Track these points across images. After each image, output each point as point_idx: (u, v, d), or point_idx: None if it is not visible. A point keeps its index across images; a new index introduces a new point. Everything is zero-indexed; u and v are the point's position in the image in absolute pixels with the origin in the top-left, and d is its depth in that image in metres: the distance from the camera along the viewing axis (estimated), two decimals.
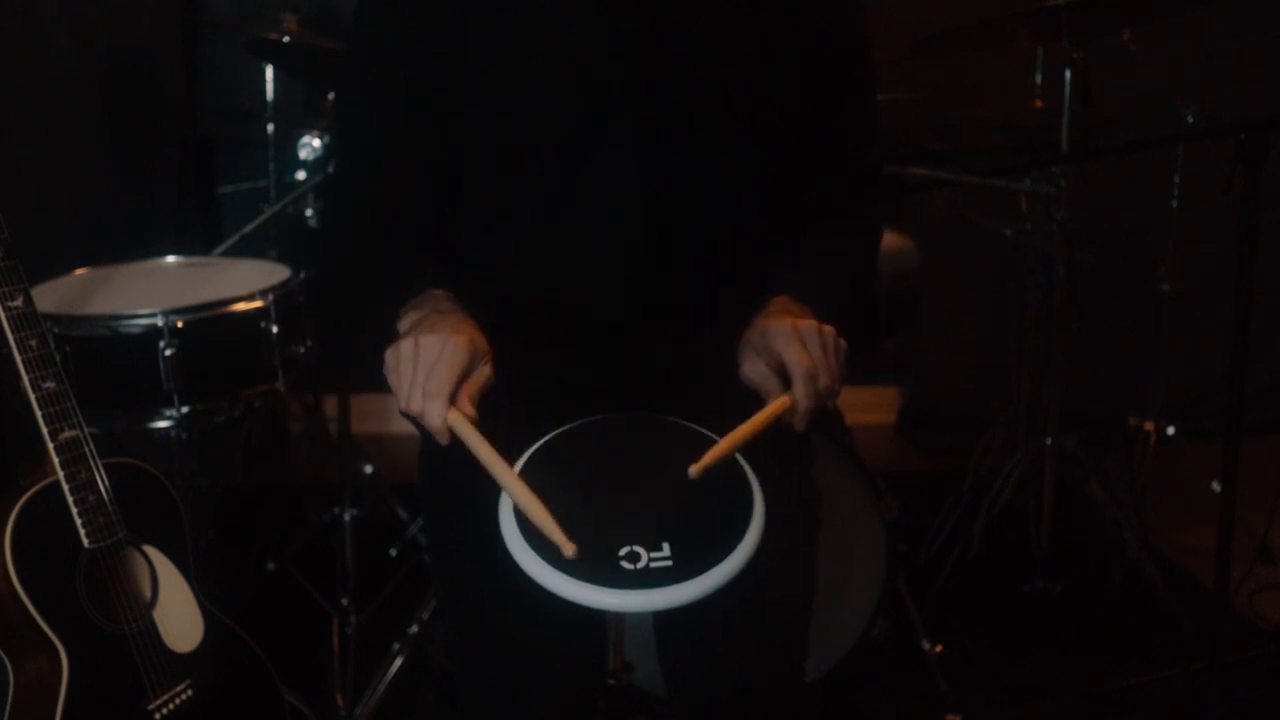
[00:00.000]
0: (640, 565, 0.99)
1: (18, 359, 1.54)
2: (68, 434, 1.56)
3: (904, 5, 2.86)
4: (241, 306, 2.02)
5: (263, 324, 2.03)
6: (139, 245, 2.50)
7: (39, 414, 1.54)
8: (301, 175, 2.79)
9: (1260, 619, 2.54)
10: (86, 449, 1.58)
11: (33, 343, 1.54)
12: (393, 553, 2.79)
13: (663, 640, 1.39)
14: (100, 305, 2.04)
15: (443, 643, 2.30)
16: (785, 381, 1.10)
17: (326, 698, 2.24)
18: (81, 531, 1.56)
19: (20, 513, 1.51)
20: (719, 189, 1.25)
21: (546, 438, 1.13)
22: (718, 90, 1.21)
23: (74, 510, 1.56)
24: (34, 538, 1.52)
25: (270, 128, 2.91)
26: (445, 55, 1.20)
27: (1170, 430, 3.23)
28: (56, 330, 1.89)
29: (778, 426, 1.09)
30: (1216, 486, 1.99)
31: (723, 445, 1.06)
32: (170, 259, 2.39)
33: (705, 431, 1.15)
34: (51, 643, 1.53)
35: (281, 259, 2.47)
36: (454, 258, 1.33)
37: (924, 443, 3.70)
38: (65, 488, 1.55)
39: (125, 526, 1.61)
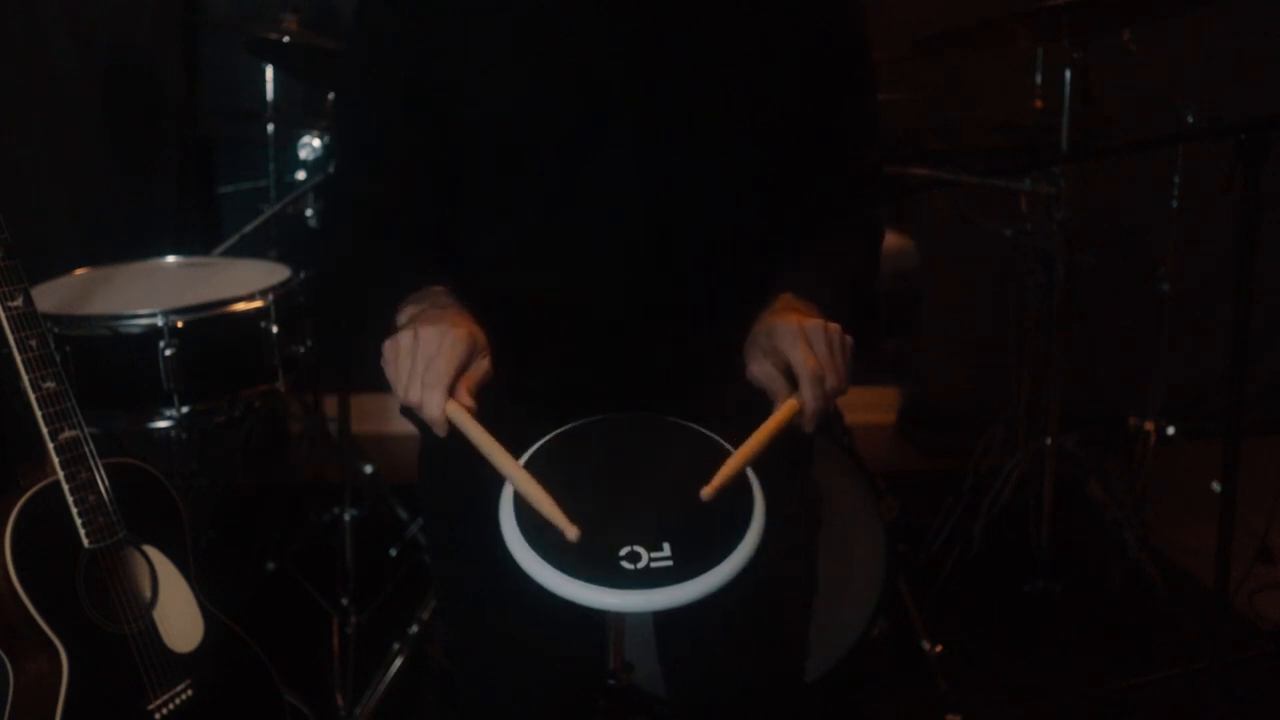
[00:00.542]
0: (640, 565, 0.99)
1: (18, 359, 1.54)
2: (68, 434, 1.56)
3: (904, 5, 2.86)
4: (241, 306, 2.02)
5: (263, 324, 2.03)
6: (139, 245, 2.50)
7: (39, 414, 1.54)
8: (301, 175, 2.79)
9: (1260, 619, 2.54)
10: (86, 449, 1.58)
11: (33, 343, 1.54)
12: (393, 553, 2.79)
13: (663, 640, 1.39)
14: (100, 305, 2.04)
15: (443, 643, 2.30)
16: (792, 381, 1.09)
17: (326, 698, 2.24)
18: (81, 531, 1.56)
19: (20, 513, 1.51)
20: (719, 189, 1.25)
21: (547, 437, 1.13)
22: (718, 90, 1.21)
23: (74, 510, 1.56)
24: (34, 538, 1.52)
25: (270, 128, 2.91)
26: (445, 55, 1.20)
27: (1170, 430, 3.23)
28: (56, 330, 1.89)
29: (788, 430, 1.09)
30: (1216, 486, 1.99)
31: (735, 460, 1.05)
32: (170, 259, 2.39)
33: (706, 432, 1.15)
34: (51, 643, 1.53)
35: (281, 259, 2.46)
36: (454, 257, 1.33)
37: (924, 443, 3.70)
38: (65, 488, 1.55)
39: (125, 526, 1.61)
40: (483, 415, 1.06)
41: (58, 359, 1.57)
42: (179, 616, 1.68)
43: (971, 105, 3.30)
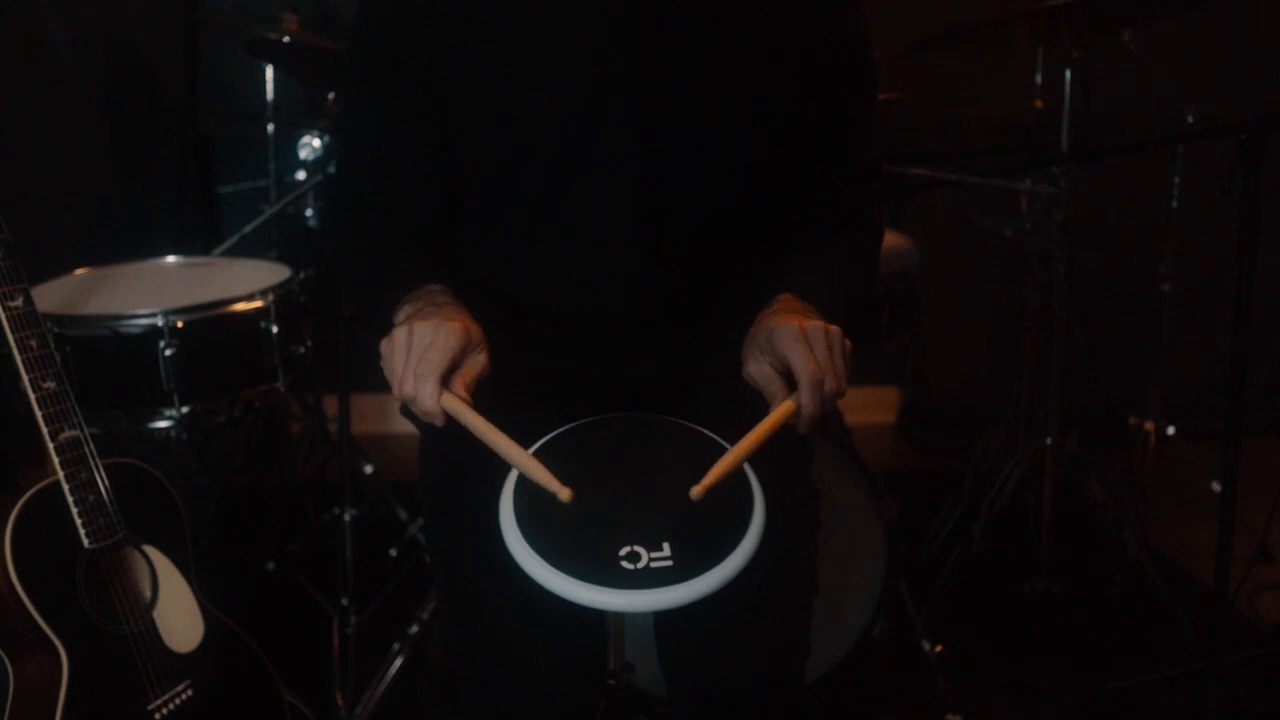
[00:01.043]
0: (641, 565, 0.99)
1: (18, 359, 1.54)
2: (68, 434, 1.56)
3: (904, 5, 2.86)
4: (241, 306, 2.02)
5: (263, 324, 2.03)
6: (139, 245, 2.50)
7: (39, 414, 1.54)
8: (301, 175, 2.79)
9: (1260, 619, 2.54)
10: (86, 449, 1.58)
11: (33, 343, 1.54)
12: (393, 553, 2.79)
13: (663, 640, 1.39)
14: (100, 305, 2.04)
15: (443, 643, 2.30)
16: (790, 382, 1.10)
17: (326, 698, 2.24)
18: (81, 531, 1.56)
19: (20, 513, 1.52)
20: (719, 189, 1.25)
21: (547, 437, 1.13)
22: (717, 90, 1.21)
23: (74, 510, 1.56)
24: (34, 538, 1.52)
25: (270, 128, 2.91)
26: (446, 54, 1.20)
27: (1170, 430, 3.24)
28: (56, 330, 1.89)
29: (782, 431, 1.09)
30: (1216, 486, 1.99)
31: (727, 460, 1.05)
32: (170, 259, 2.39)
33: (706, 432, 1.15)
34: (51, 643, 1.53)
35: (281, 259, 2.47)
36: (454, 256, 1.34)
37: (924, 443, 3.71)
38: (65, 488, 1.55)
39: (125, 526, 1.61)
40: (480, 412, 1.06)
41: (58, 359, 1.57)
42: (179, 616, 1.68)
43: (971, 105, 3.30)
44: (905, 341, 2.52)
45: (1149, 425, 3.23)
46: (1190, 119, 2.87)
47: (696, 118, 1.21)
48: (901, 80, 2.67)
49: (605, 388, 1.29)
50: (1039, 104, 2.90)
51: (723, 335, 1.20)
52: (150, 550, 1.66)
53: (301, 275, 2.20)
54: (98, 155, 3.06)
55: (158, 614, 1.65)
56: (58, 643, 1.53)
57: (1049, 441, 2.65)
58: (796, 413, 1.08)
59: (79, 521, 1.56)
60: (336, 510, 2.61)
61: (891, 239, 2.53)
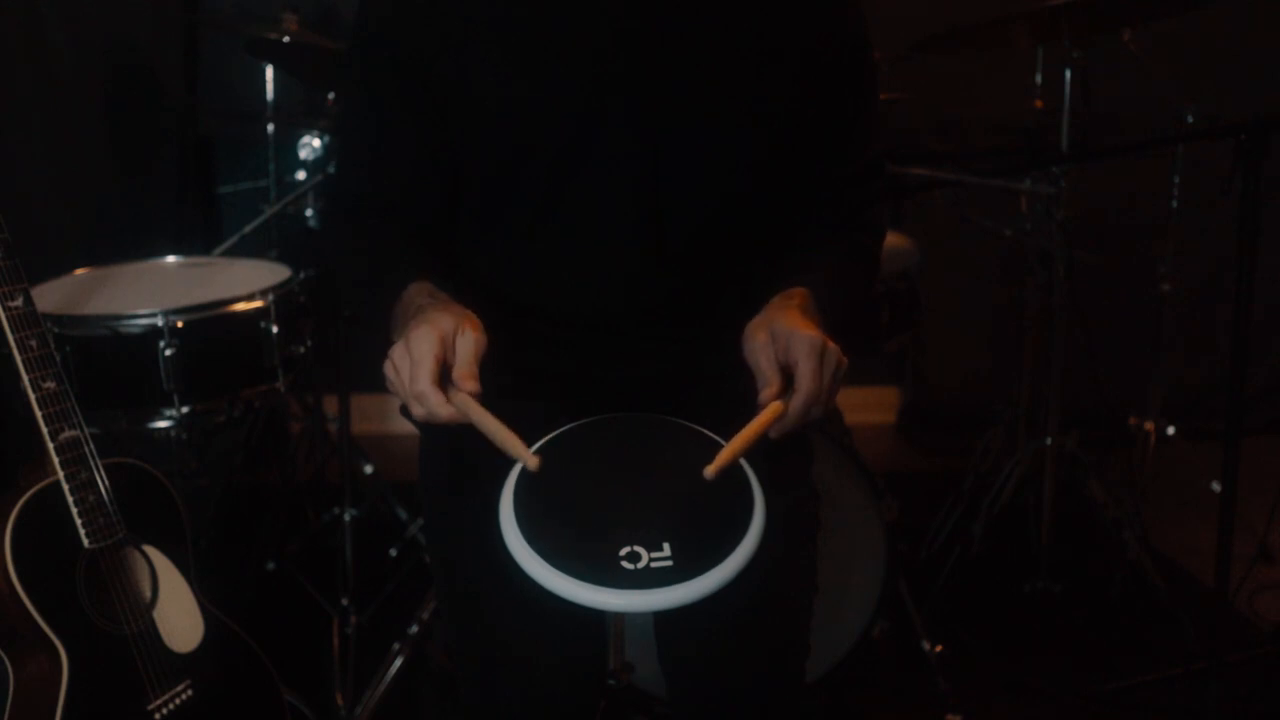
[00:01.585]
0: (641, 565, 0.99)
1: (18, 359, 1.54)
2: (68, 434, 1.56)
3: (904, 5, 2.86)
4: (241, 306, 2.02)
5: (263, 324, 2.03)
6: (139, 245, 2.50)
7: (39, 414, 1.54)
8: (301, 175, 2.79)
9: (1260, 619, 2.54)
10: (86, 449, 1.58)
11: (33, 343, 1.54)
12: (393, 553, 2.79)
13: (663, 640, 1.39)
14: (100, 305, 2.04)
15: (443, 643, 2.30)
16: (786, 379, 1.11)
17: (326, 698, 2.24)
18: (81, 531, 1.56)
19: (20, 513, 1.52)
20: (719, 188, 1.25)
21: (548, 437, 1.13)
22: (718, 90, 1.21)
23: (74, 510, 1.56)
24: (34, 538, 1.52)
25: (270, 128, 2.91)
26: (446, 53, 1.20)
27: (1170, 430, 3.24)
28: (56, 330, 1.89)
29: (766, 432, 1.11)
30: (1216, 486, 1.99)
31: (734, 446, 1.07)
32: (170, 259, 2.39)
33: (706, 432, 1.15)
34: (51, 643, 1.53)
35: (281, 259, 2.47)
36: (455, 256, 1.34)
37: (924, 443, 3.71)
38: (65, 488, 1.55)
39: (125, 526, 1.61)
40: (485, 404, 1.07)
41: (58, 359, 1.57)
42: (179, 616, 1.68)
43: (971, 105, 3.30)
44: (905, 341, 2.52)
45: (1149, 425, 3.23)
46: (1190, 119, 2.87)
47: (696, 118, 1.21)
48: (901, 80, 2.67)
49: (605, 388, 1.29)
50: (1039, 104, 2.90)
51: (723, 335, 1.20)
52: (150, 550, 1.66)
53: (301, 275, 2.20)
54: (98, 155, 3.06)
55: (158, 614, 1.65)
56: (58, 643, 1.53)
57: (1049, 441, 2.65)
58: (779, 418, 1.10)
59: (79, 521, 1.56)
60: (336, 510, 2.61)
61: (891, 239, 2.52)
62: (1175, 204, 3.07)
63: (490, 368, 1.09)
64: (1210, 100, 2.85)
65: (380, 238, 1.29)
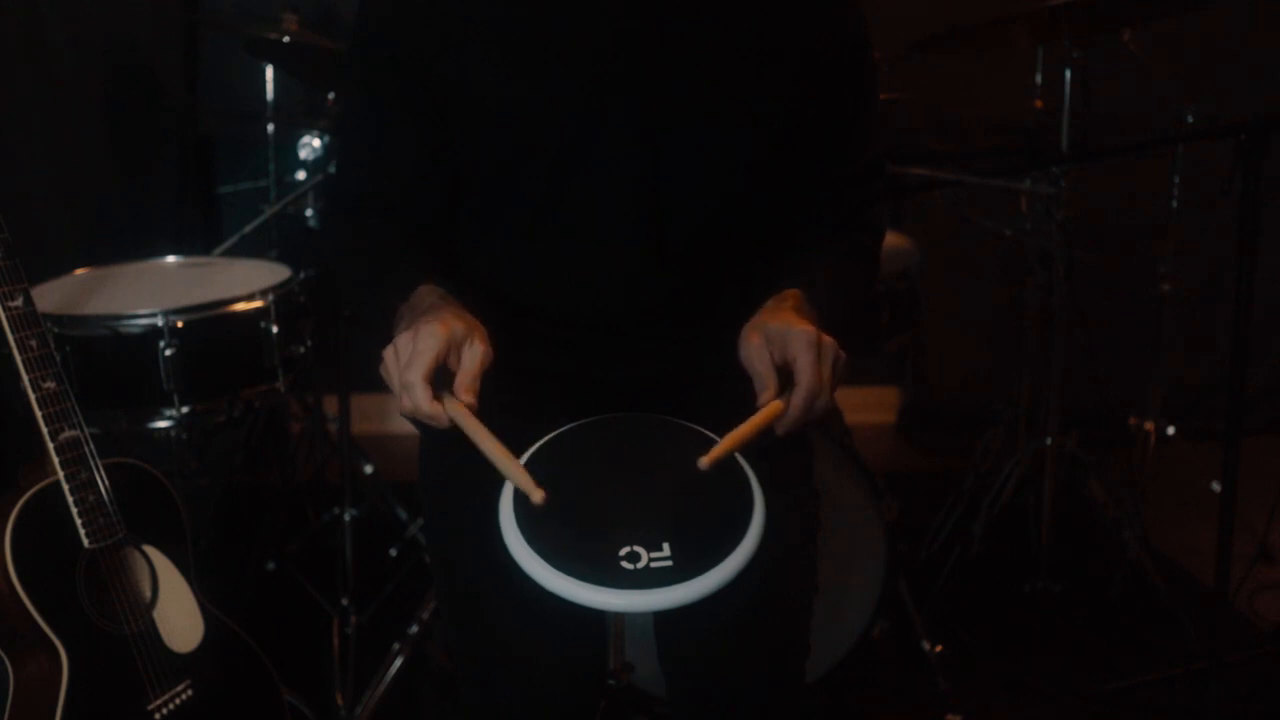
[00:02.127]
0: (641, 565, 0.99)
1: (18, 359, 1.54)
2: (68, 434, 1.56)
3: (904, 5, 2.86)
4: (241, 306, 2.02)
5: (263, 324, 2.03)
6: (139, 245, 2.50)
7: (39, 414, 1.54)
8: (301, 175, 2.79)
9: (1260, 619, 2.54)
10: (86, 449, 1.58)
11: (33, 343, 1.54)
12: (393, 553, 2.79)
13: (663, 640, 1.39)
14: (100, 305, 2.04)
15: (443, 643, 2.30)
16: (783, 380, 1.10)
17: (326, 698, 2.24)
18: (81, 531, 1.56)
19: (20, 513, 1.52)
20: (719, 189, 1.25)
21: (547, 437, 1.13)
22: (718, 90, 1.21)
23: (74, 510, 1.56)
24: (34, 538, 1.52)
25: (270, 128, 2.91)
26: (446, 53, 1.20)
27: (1170, 430, 3.24)
28: (56, 330, 1.89)
29: (767, 430, 1.10)
30: (1216, 486, 1.99)
31: (730, 440, 1.07)
32: (170, 259, 2.39)
33: (706, 432, 1.15)
34: (51, 643, 1.53)
35: (281, 259, 2.47)
36: (455, 256, 1.34)
37: (924, 443, 3.71)
38: (65, 488, 1.55)
39: (125, 526, 1.61)
40: (483, 417, 1.06)
41: (58, 359, 1.57)
42: (179, 616, 1.68)
43: (971, 105, 3.30)
44: (905, 341, 2.52)
45: (1149, 425, 3.23)
46: (1190, 119, 2.87)
47: (696, 118, 1.21)
48: (901, 80, 2.67)
49: (605, 388, 1.29)
50: (1039, 104, 2.90)
51: (723, 335, 1.20)
52: (150, 550, 1.66)
53: (301, 275, 2.20)
54: (98, 155, 3.06)
55: (158, 614, 1.65)
56: (58, 643, 1.53)
57: (1049, 441, 2.65)
58: (780, 416, 1.09)
59: (79, 521, 1.56)
60: (336, 510, 2.61)
61: (891, 239, 2.52)
62: (1175, 204, 3.07)
63: (491, 382, 1.09)
64: (1210, 100, 2.85)
65: (380, 238, 1.29)
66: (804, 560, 1.39)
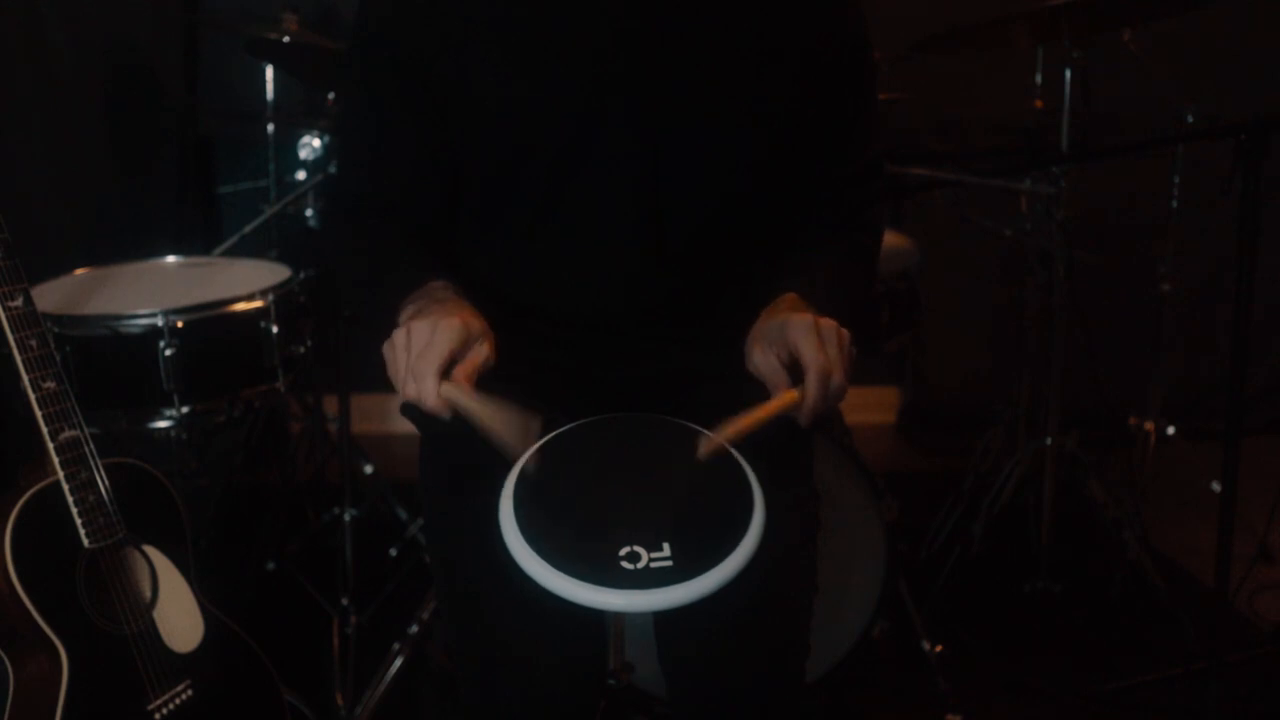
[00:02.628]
0: (641, 565, 0.99)
1: (18, 359, 1.54)
2: (68, 434, 1.56)
3: (904, 5, 2.86)
4: (241, 306, 2.02)
5: (263, 324, 2.03)
6: (139, 245, 2.50)
7: (39, 414, 1.54)
8: (301, 175, 2.79)
9: (1260, 619, 2.54)
10: (86, 449, 1.58)
11: (33, 343, 1.54)
12: (393, 553, 2.79)
13: (663, 640, 1.39)
14: (100, 305, 2.04)
15: (443, 643, 2.30)
16: (795, 377, 1.10)
17: (326, 698, 2.24)
18: (81, 531, 1.56)
19: (20, 513, 1.52)
20: (719, 189, 1.25)
21: (547, 437, 1.13)
22: (718, 90, 1.21)
23: (74, 510, 1.56)
24: (34, 538, 1.52)
25: (270, 128, 2.91)
26: (447, 54, 1.20)
27: (1170, 430, 3.24)
28: (56, 330, 1.89)
29: (781, 420, 1.09)
30: (1216, 486, 1.99)
31: (728, 431, 1.06)
32: (170, 259, 2.39)
33: (707, 432, 1.15)
34: (51, 643, 1.53)
35: (281, 259, 2.47)
36: (455, 256, 1.34)
37: (924, 443, 3.71)
38: (65, 488, 1.55)
39: (125, 526, 1.61)
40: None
41: (58, 359, 1.57)
42: (179, 616, 1.68)
43: (971, 105, 3.30)
44: (905, 341, 2.52)
45: (1149, 425, 3.23)
46: (1190, 119, 2.87)
47: (696, 118, 1.21)
48: (901, 80, 2.67)
49: (605, 388, 1.29)
50: (1039, 104, 2.90)
51: (723, 335, 1.20)
52: (150, 550, 1.66)
53: (301, 275, 2.20)
54: (98, 155, 3.06)
55: (158, 614, 1.65)
56: (58, 643, 1.53)
57: (1049, 441, 2.65)
58: (798, 405, 1.08)
59: (79, 521, 1.56)
60: (336, 510, 2.61)
61: (891, 239, 2.53)
62: (1175, 204, 3.07)
63: (484, 388, 1.09)
64: (1210, 100, 2.85)
65: (380, 238, 1.29)
66: (804, 560, 1.39)
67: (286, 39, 2.59)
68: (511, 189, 1.25)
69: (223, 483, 2.76)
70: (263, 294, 2.04)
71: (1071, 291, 2.58)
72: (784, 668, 1.38)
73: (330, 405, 2.85)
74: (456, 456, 1.32)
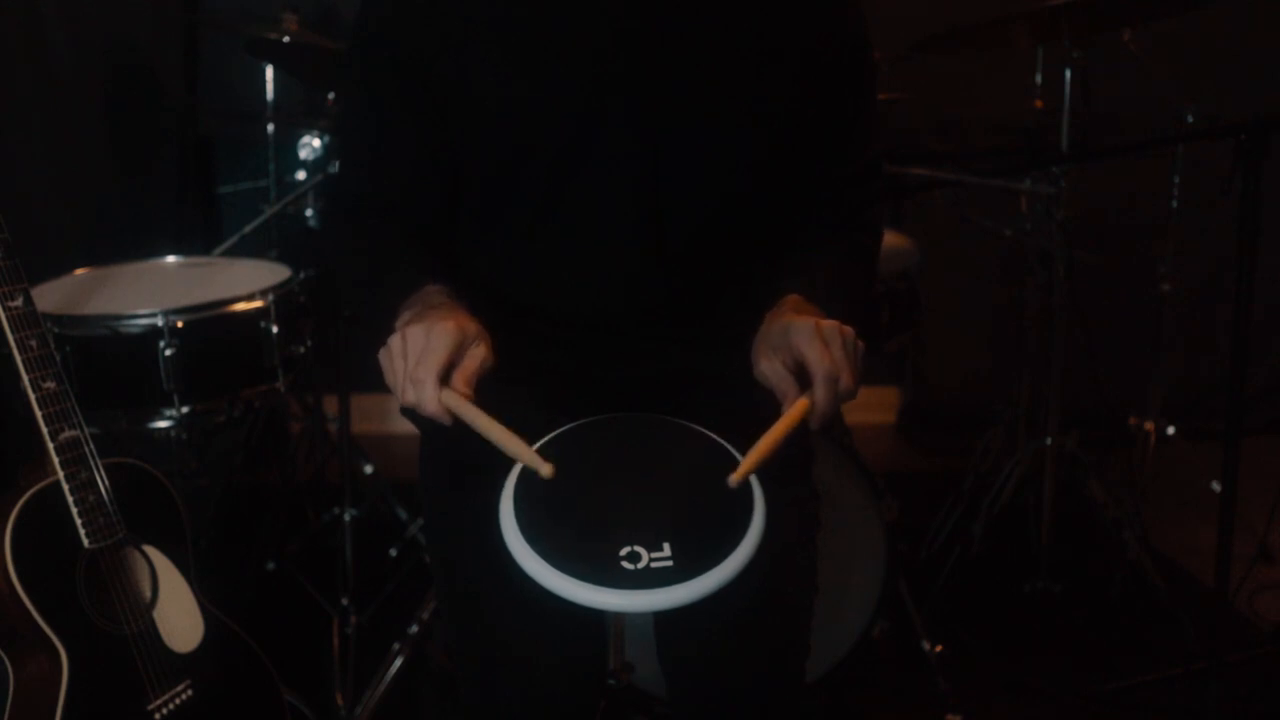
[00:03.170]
0: (641, 565, 0.99)
1: (18, 359, 1.54)
2: (68, 434, 1.56)
3: (904, 5, 2.86)
4: (241, 306, 2.02)
5: (263, 324, 2.03)
6: (139, 245, 2.50)
7: (39, 414, 1.54)
8: (301, 175, 2.79)
9: (1260, 619, 2.54)
10: (86, 449, 1.58)
11: (33, 343, 1.54)
12: (393, 553, 2.79)
13: (663, 640, 1.39)
14: (100, 305, 2.04)
15: (443, 643, 2.30)
16: (802, 381, 1.10)
17: (326, 698, 2.24)
18: (81, 531, 1.56)
19: (20, 513, 1.52)
20: (719, 189, 1.25)
21: (548, 437, 1.13)
22: (718, 90, 1.21)
23: (74, 510, 1.56)
24: (34, 538, 1.52)
25: (270, 128, 2.91)
26: (447, 54, 1.20)
27: (1170, 430, 3.24)
28: (56, 330, 1.89)
29: (797, 431, 1.09)
30: (1216, 486, 1.99)
31: (756, 453, 1.05)
32: (170, 259, 2.39)
33: (707, 432, 1.15)
34: (51, 643, 1.53)
35: (281, 259, 2.47)
36: (455, 256, 1.34)
37: (924, 443, 3.71)
38: (65, 488, 1.55)
39: (125, 526, 1.61)
40: (481, 408, 1.06)
41: (58, 359, 1.57)
42: (179, 616, 1.68)
43: (971, 105, 3.30)
44: (905, 341, 2.52)
45: (1149, 425, 3.23)
46: (1190, 119, 2.87)
47: (696, 118, 1.21)
48: (901, 80, 2.67)
49: (605, 388, 1.29)
50: (1039, 104, 2.90)
51: (723, 335, 1.20)
52: (150, 550, 1.66)
53: (301, 275, 2.20)
54: (98, 155, 3.06)
55: (158, 614, 1.65)
56: (58, 643, 1.53)
57: (1049, 441, 2.65)
58: (811, 410, 1.08)
59: (79, 521, 1.56)
60: (336, 510, 2.61)
61: (891, 239, 2.53)
62: (1175, 204, 3.07)
63: (491, 382, 1.09)
64: (1210, 100, 2.85)
65: (380, 238, 1.29)
66: (804, 560, 1.39)
67: (286, 39, 2.59)
68: (511, 189, 1.25)
69: (223, 483, 2.76)
70: (263, 294, 2.04)
71: (1071, 291, 2.58)
72: (784, 668, 1.38)
73: (330, 405, 2.85)
74: (457, 454, 1.32)
